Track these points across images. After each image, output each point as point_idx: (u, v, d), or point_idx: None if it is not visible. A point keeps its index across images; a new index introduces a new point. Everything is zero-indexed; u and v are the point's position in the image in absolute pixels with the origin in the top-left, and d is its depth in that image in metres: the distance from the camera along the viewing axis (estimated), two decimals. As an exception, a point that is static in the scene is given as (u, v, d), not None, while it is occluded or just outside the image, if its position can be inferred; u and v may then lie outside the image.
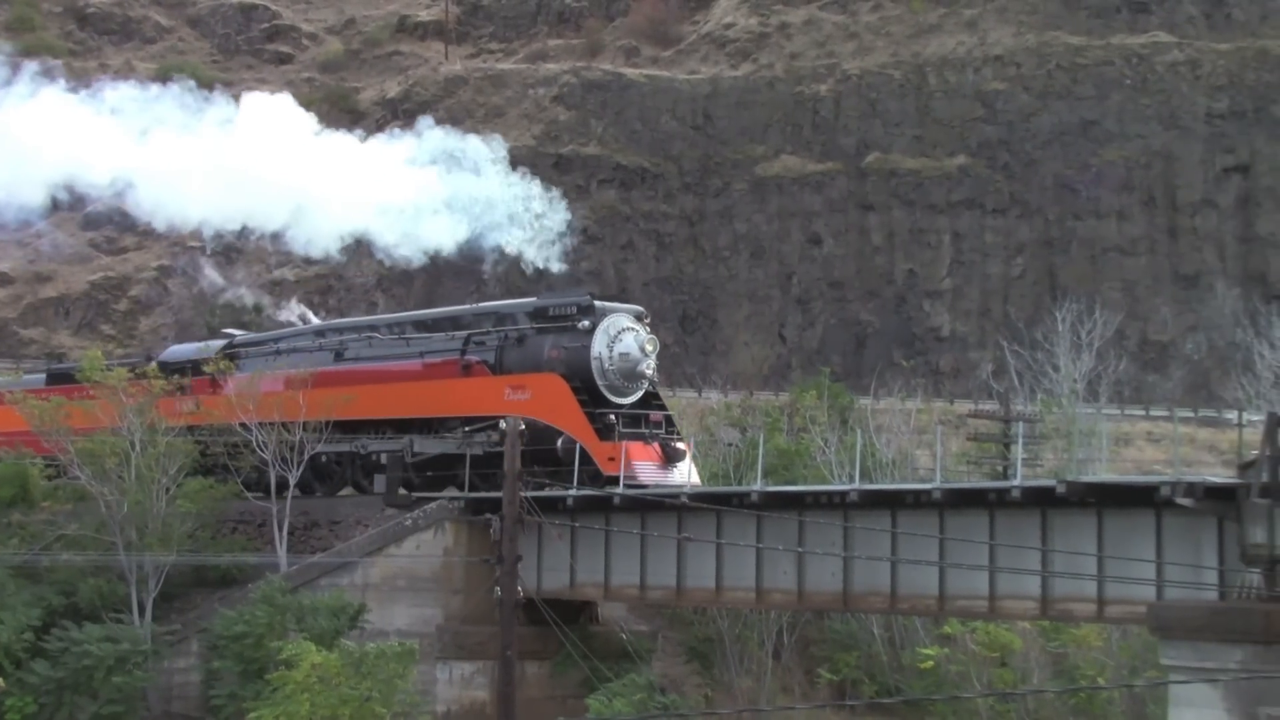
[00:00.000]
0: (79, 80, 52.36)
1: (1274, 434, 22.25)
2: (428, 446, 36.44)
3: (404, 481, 36.74)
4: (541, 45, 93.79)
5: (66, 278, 77.64)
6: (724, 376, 64.93)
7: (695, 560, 30.73)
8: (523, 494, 27.01)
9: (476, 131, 48.66)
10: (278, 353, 41.49)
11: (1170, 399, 69.37)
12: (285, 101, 44.36)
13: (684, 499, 30.22)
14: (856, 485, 28.84)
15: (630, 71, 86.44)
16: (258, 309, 63.88)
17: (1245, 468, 23.11)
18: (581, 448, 32.62)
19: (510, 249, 39.28)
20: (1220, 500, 23.05)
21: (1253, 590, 22.37)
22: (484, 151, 40.12)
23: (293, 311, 49.47)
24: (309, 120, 42.73)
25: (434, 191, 39.24)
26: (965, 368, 74.94)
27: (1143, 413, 65.89)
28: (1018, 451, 31.95)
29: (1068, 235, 78.40)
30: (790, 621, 37.91)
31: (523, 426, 28.36)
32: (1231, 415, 57.57)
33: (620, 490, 31.01)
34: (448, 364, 36.72)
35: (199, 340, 49.89)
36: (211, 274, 73.40)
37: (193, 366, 41.46)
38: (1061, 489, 24.64)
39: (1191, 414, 64.35)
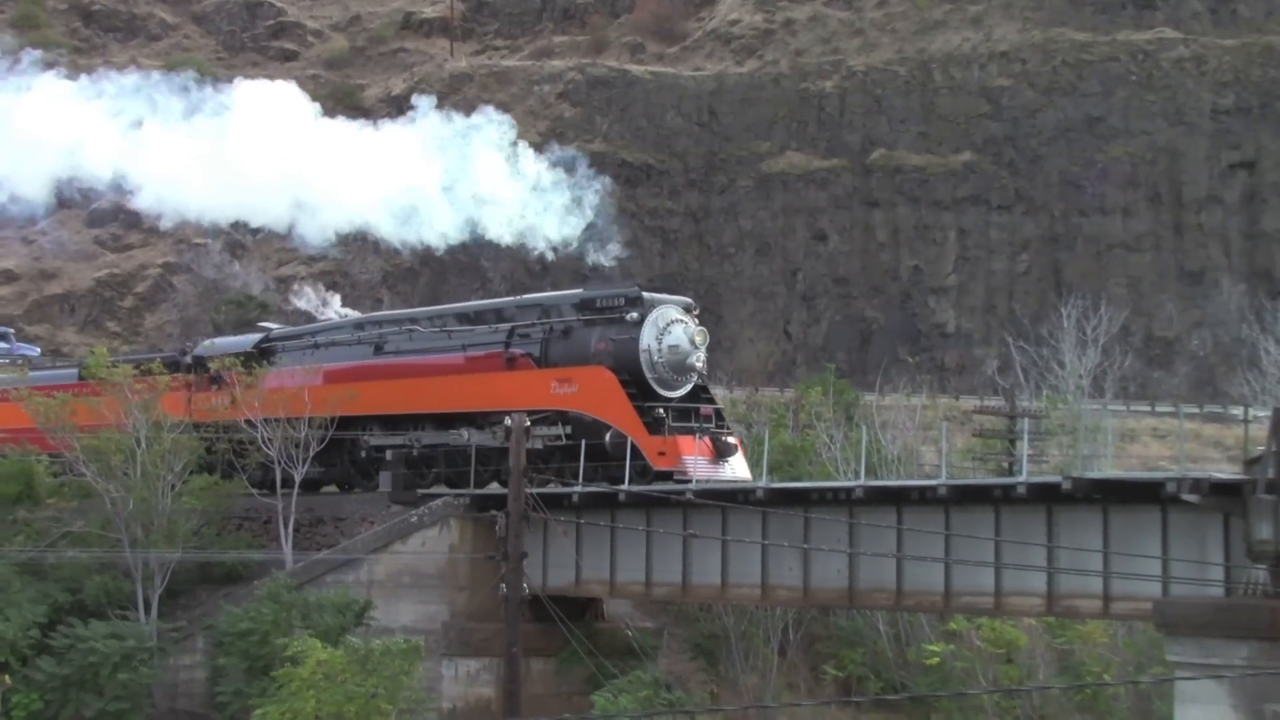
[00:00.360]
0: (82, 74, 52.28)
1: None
2: (484, 441, 35.28)
3: (461, 476, 35.53)
4: (546, 42, 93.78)
5: (71, 274, 77.77)
6: (729, 373, 64.76)
7: (700, 557, 30.62)
8: (528, 490, 27.11)
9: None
10: (315, 346, 40.59)
11: (1175, 395, 69.23)
12: (288, 89, 43.57)
13: (689, 495, 30.13)
14: (862, 482, 28.75)
15: (635, 68, 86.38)
16: (263, 305, 63.83)
17: (1251, 464, 23.01)
18: (632, 442, 31.77)
19: (537, 243, 38.84)
20: (1226, 496, 22.96)
21: (1259, 586, 22.32)
22: (492, 138, 39.81)
23: (309, 300, 48.39)
24: (311, 108, 42.28)
25: (436, 181, 38.89)
26: (970, 364, 74.82)
27: (1148, 409, 65.66)
28: (1023, 448, 31.83)
29: (1073, 231, 78.19)
30: (796, 618, 37.91)
31: (529, 423, 28.45)
32: (1237, 411, 57.36)
33: (625, 487, 30.82)
34: (491, 357, 35.67)
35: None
36: (216, 270, 73.48)
37: (242, 358, 40.01)
38: (1067, 485, 24.57)
39: (1197, 410, 64.09)
